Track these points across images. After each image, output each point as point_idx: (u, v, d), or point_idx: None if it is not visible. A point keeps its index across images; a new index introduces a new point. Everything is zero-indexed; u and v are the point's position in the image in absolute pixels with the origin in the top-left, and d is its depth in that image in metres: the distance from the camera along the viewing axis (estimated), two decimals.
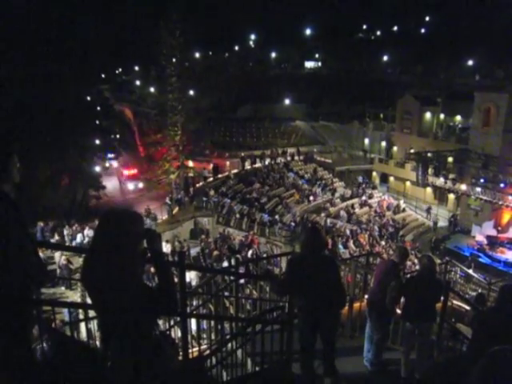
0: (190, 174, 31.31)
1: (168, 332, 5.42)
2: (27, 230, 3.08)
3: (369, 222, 30.09)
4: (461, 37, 64.01)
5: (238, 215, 26.07)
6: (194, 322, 6.05)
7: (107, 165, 41.42)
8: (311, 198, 31.34)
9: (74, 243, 19.05)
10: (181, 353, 4.25)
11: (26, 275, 2.81)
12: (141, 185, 36.74)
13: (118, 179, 41.07)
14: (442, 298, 5.63)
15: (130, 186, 36.10)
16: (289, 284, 4.88)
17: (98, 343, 5.81)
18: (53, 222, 21.58)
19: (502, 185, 28.75)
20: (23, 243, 2.84)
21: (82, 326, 6.57)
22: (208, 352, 5.15)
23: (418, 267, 15.55)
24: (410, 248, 25.56)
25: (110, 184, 37.12)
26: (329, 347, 5.04)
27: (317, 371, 5.26)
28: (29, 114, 25.44)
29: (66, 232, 20.04)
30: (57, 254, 16.39)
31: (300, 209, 29.83)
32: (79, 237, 19.34)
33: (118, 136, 46.44)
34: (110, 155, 42.31)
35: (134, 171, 40.61)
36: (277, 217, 27.12)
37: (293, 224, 25.85)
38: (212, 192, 28.00)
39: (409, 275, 7.22)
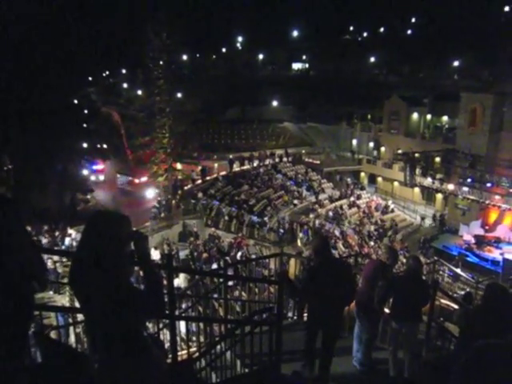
0: (180, 177, 31.21)
1: (157, 334, 5.41)
2: (26, 231, 3.06)
3: (358, 222, 30.24)
4: (447, 38, 64.59)
5: (226, 217, 26.05)
6: (182, 324, 6.02)
7: (93, 178, 38.31)
8: (295, 201, 31.22)
9: (62, 247, 18.85)
10: (170, 355, 4.24)
11: (30, 276, 2.80)
12: (156, 191, 32.31)
13: (120, 191, 36.29)
14: (428, 299, 5.68)
15: (149, 194, 30.63)
16: (308, 290, 5.14)
17: (86, 347, 5.77)
18: (46, 226, 21.35)
19: (488, 184, 29.05)
20: (26, 245, 2.83)
21: (71, 330, 6.53)
22: (197, 354, 5.13)
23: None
24: (398, 248, 25.79)
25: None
26: (328, 351, 5.28)
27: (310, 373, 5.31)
28: (14, 117, 25.23)
29: (45, 240, 19.38)
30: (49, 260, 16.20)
31: (287, 212, 29.71)
32: (67, 240, 19.17)
33: (105, 139, 46.00)
34: (95, 167, 39.11)
35: (144, 178, 35.09)
36: (266, 219, 27.14)
37: (281, 231, 25.67)
38: (200, 194, 27.95)
39: (396, 275, 7.25)
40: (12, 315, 2.56)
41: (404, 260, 20.70)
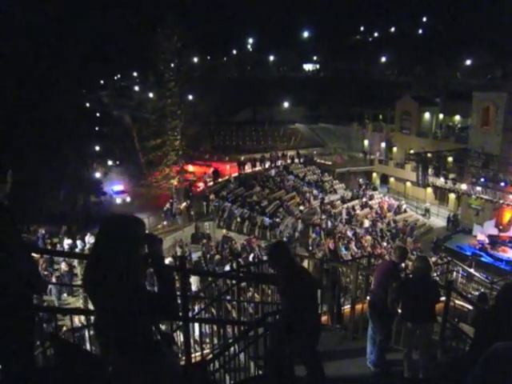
0: (193, 178, 31.32)
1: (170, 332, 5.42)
2: (22, 237, 3.10)
3: (370, 223, 30.09)
4: (458, 37, 64.18)
5: (238, 219, 26.06)
6: (196, 326, 6.04)
7: (118, 201, 34.43)
8: (301, 207, 30.73)
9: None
10: (184, 357, 4.26)
11: (25, 282, 2.83)
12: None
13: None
14: (441, 299, 5.64)
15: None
16: None
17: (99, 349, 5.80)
18: (64, 229, 21.46)
19: (502, 184, 28.76)
20: (21, 250, 2.86)
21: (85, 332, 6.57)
22: (211, 356, 5.14)
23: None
24: (411, 248, 25.63)
25: None
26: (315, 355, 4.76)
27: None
28: (28, 121, 25.49)
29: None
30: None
31: (293, 218, 29.30)
32: (79, 243, 19.28)
33: (117, 142, 46.28)
34: (115, 187, 35.71)
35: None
36: (278, 220, 27.09)
37: (285, 239, 25.35)
38: (212, 196, 28.00)
39: (406, 277, 7.21)
40: (12, 316, 2.59)
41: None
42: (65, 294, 15.36)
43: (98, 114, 51.03)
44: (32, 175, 23.35)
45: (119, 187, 36.14)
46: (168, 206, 26.73)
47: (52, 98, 28.34)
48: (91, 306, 2.51)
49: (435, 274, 13.17)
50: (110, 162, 41.29)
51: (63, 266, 15.73)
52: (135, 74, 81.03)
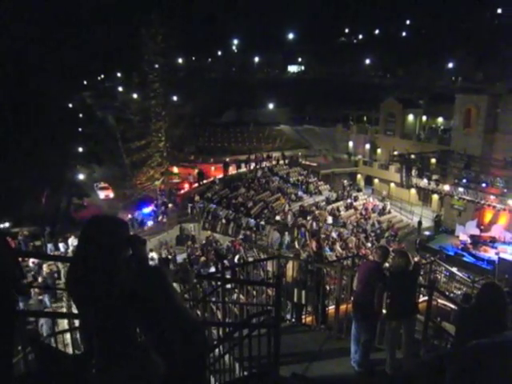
0: (176, 180, 31.18)
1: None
2: (5, 237, 3.07)
3: (355, 224, 30.24)
4: (441, 40, 64.93)
5: (223, 220, 26.00)
6: None
7: (150, 223, 26.25)
8: (277, 217, 28.85)
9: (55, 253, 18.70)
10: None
11: (9, 283, 2.79)
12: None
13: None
14: (422, 295, 5.69)
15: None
16: None
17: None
18: (47, 231, 21.17)
19: (483, 184, 29.11)
20: (5, 250, 2.83)
21: (68, 336, 6.51)
22: None
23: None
24: (395, 249, 25.77)
25: None
26: None
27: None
28: (9, 122, 25.21)
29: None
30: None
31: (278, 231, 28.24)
32: (62, 246, 19.08)
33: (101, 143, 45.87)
34: (145, 210, 28.88)
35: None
36: (262, 222, 27.04)
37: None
38: (197, 197, 27.90)
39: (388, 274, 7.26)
40: None
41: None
42: (46, 299, 15.14)
43: (81, 115, 50.64)
44: (13, 177, 23.09)
45: (148, 209, 30.50)
46: (153, 207, 26.61)
47: (34, 99, 28.04)
48: (75, 310, 2.50)
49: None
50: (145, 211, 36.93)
51: (45, 268, 15.53)
52: (119, 74, 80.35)
